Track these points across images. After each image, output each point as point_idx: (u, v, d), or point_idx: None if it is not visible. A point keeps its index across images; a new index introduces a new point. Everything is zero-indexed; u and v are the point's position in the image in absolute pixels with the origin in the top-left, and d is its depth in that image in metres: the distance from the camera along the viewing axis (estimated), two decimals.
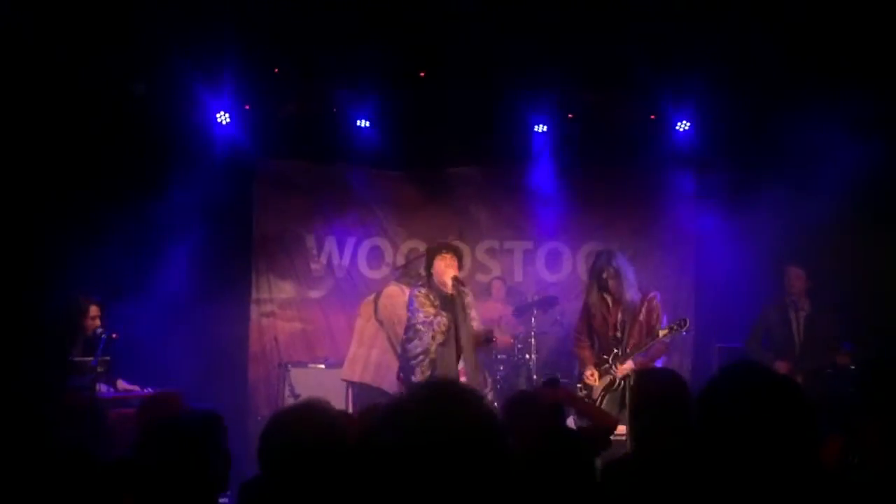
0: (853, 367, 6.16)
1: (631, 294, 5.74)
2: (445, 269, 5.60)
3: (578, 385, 5.86)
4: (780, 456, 1.60)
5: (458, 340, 5.49)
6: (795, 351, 6.45)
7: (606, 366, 5.73)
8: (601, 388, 5.69)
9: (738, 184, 7.45)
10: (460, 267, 5.78)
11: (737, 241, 7.33)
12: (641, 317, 5.74)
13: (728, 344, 7.17)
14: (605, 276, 5.74)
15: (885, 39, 6.18)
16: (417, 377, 5.41)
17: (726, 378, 1.75)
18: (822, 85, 6.62)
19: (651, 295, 5.83)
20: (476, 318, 5.72)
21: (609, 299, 5.79)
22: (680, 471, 2.07)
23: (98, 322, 6.08)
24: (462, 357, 5.49)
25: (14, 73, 6.31)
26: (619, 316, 5.76)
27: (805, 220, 6.72)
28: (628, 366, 5.59)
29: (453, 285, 5.54)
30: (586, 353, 5.89)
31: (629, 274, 5.79)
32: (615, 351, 5.73)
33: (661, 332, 5.62)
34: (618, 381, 5.63)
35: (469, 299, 5.71)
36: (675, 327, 5.60)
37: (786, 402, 1.66)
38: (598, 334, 5.83)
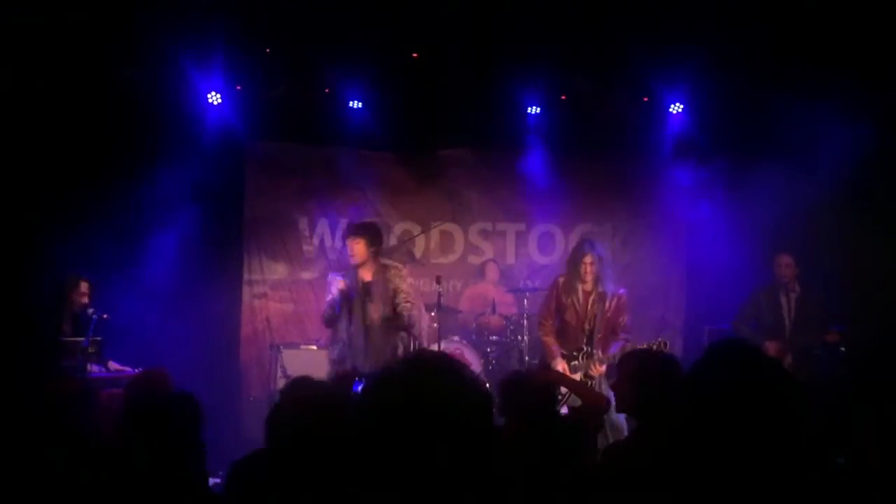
0: (843, 349, 6.22)
1: (607, 286, 5.71)
2: (349, 253, 5.85)
3: None
4: (769, 435, 1.61)
5: (365, 323, 5.74)
6: (785, 331, 6.49)
7: (576, 362, 5.68)
8: None
9: (731, 166, 7.48)
10: (372, 247, 5.84)
11: (728, 223, 7.37)
12: (609, 312, 5.70)
13: (718, 326, 7.21)
14: (588, 261, 5.67)
15: (878, 25, 6.18)
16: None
17: (714, 356, 1.75)
18: (814, 69, 6.63)
19: (620, 291, 5.80)
20: (407, 304, 5.80)
21: (581, 290, 5.74)
22: (683, 452, 2.07)
23: (87, 299, 6.09)
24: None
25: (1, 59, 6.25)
26: (590, 308, 5.71)
27: (796, 204, 6.76)
28: (603, 369, 5.57)
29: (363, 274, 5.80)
30: (551, 340, 5.81)
31: (610, 265, 5.79)
32: (584, 348, 5.70)
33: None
34: (590, 382, 5.57)
35: (393, 285, 5.82)
36: (654, 346, 5.43)
37: (773, 379, 1.66)
38: (568, 325, 5.76)
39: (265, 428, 2.45)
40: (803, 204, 6.68)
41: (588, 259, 5.68)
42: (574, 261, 5.80)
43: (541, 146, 8.09)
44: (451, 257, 8.45)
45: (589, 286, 5.72)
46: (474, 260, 8.36)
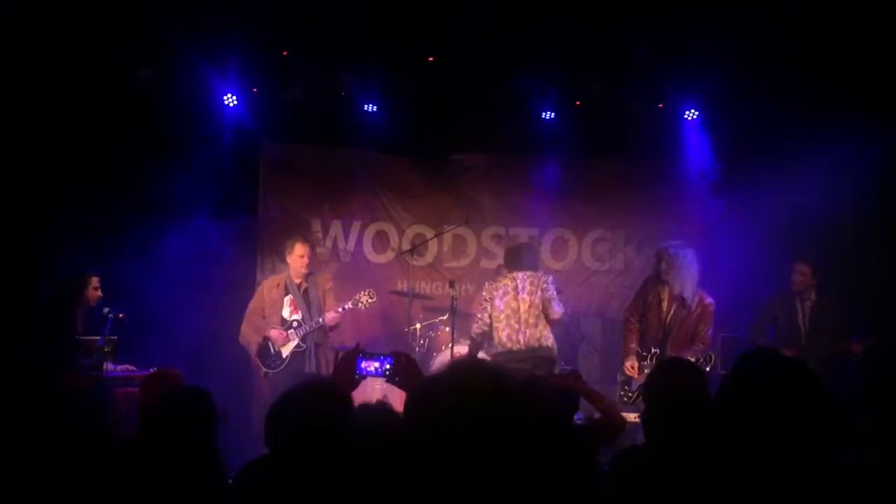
0: (858, 359, 6.16)
1: (683, 289, 5.65)
2: None
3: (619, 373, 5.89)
4: (797, 446, 1.60)
5: None
6: (802, 340, 6.45)
7: (646, 363, 5.70)
8: (639, 383, 5.61)
9: (745, 172, 7.43)
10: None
11: (743, 230, 7.32)
12: (690, 319, 5.66)
13: (733, 333, 7.16)
14: (660, 261, 5.67)
15: (892, 34, 6.15)
16: None
17: (749, 365, 1.74)
18: (830, 76, 6.60)
19: (708, 300, 5.73)
20: None
21: (664, 293, 5.72)
22: (693, 461, 2.06)
23: (100, 293, 6.12)
24: None
25: (20, 61, 6.29)
26: (672, 313, 5.69)
27: (811, 210, 6.72)
28: None
29: None
30: (630, 337, 5.84)
31: (690, 269, 5.68)
32: (655, 350, 5.69)
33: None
34: None
35: None
36: (701, 360, 5.47)
37: (807, 391, 1.65)
38: (650, 325, 5.77)
39: (265, 429, 2.46)
40: (820, 211, 6.64)
41: (661, 263, 5.70)
42: (656, 262, 5.81)
43: (554, 151, 8.08)
44: (464, 261, 8.45)
45: (669, 288, 5.70)
46: (487, 264, 8.35)
